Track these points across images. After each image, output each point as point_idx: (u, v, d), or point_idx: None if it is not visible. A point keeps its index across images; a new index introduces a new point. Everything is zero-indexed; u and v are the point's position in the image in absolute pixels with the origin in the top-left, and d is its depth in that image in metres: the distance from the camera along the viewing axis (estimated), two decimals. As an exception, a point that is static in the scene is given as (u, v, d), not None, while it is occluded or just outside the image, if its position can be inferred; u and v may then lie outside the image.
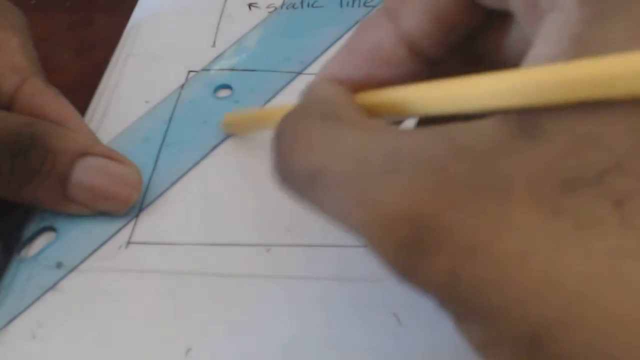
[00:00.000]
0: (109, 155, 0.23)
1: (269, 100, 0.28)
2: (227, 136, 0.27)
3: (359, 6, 0.32)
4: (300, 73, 0.29)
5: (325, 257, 0.22)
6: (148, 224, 0.24)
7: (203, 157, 0.26)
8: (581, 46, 0.11)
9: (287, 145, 0.15)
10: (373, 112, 0.16)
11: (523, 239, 0.10)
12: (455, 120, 0.12)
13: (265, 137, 0.26)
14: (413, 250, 0.11)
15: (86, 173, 0.23)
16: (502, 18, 0.16)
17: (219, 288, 0.22)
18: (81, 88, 0.29)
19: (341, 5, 0.32)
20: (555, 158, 0.10)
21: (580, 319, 0.10)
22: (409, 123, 0.19)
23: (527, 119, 0.11)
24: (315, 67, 0.29)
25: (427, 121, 0.17)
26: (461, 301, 0.11)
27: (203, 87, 0.29)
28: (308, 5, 0.33)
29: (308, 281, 0.22)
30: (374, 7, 0.32)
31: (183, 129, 0.27)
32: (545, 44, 0.12)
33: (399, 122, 0.19)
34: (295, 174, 0.14)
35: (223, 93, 0.29)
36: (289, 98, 0.28)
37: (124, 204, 0.23)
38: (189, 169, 0.26)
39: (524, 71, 0.12)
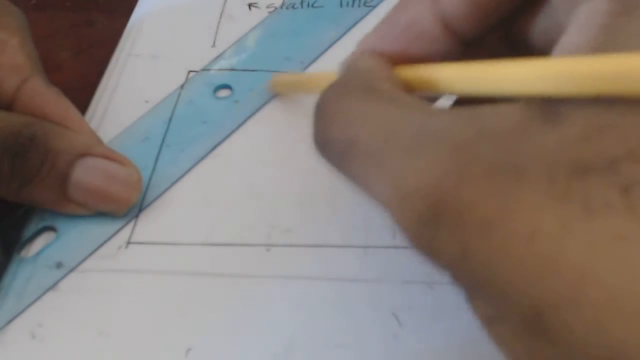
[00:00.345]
0: (109, 155, 0.23)
1: (269, 101, 0.28)
2: (227, 136, 0.27)
3: (359, 6, 0.32)
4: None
5: (325, 257, 0.22)
6: (148, 224, 0.24)
7: (203, 157, 0.26)
8: (607, 37, 0.11)
9: (327, 116, 0.15)
10: (408, 87, 0.16)
11: (532, 218, 0.10)
12: (487, 101, 0.13)
13: (265, 137, 0.27)
14: (429, 225, 0.12)
15: (86, 173, 0.23)
16: (539, 2, 0.16)
17: (219, 288, 0.22)
18: (81, 88, 0.29)
19: (341, 6, 0.32)
20: (571, 143, 0.11)
21: (584, 298, 0.10)
22: (445, 100, 0.20)
23: (548, 104, 0.12)
24: (316, 67, 0.29)
25: (463, 100, 0.18)
26: (472, 277, 0.11)
27: (203, 87, 0.29)
28: (308, 5, 0.32)
29: (308, 281, 0.22)
30: (374, 7, 0.32)
31: (183, 129, 0.27)
32: (576, 32, 0.12)
33: (433, 99, 0.20)
34: (333, 145, 0.15)
35: (223, 93, 0.29)
36: (289, 99, 0.28)
37: (124, 205, 0.23)
38: (189, 169, 0.26)
39: (552, 61, 0.12)
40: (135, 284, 0.22)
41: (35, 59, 0.24)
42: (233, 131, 0.27)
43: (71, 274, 0.22)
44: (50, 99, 0.23)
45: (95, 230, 0.23)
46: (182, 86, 0.29)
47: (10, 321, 0.21)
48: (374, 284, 0.21)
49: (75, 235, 0.23)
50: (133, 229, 0.24)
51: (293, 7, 0.32)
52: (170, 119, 0.27)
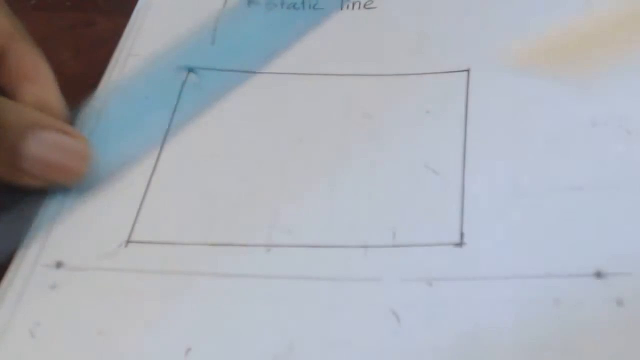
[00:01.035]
0: (60, 128, 0.23)
1: (267, 99, 0.28)
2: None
3: (359, 8, 0.32)
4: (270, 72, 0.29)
5: (324, 257, 0.22)
6: (148, 223, 0.24)
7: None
8: None
9: None
10: None
11: None
12: None
13: (265, 137, 0.27)
14: None
15: (37, 146, 0.23)
16: None
17: (219, 288, 0.22)
18: (81, 88, 0.29)
19: (341, 8, 0.32)
20: None
21: None
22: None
23: None
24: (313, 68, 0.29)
25: None
26: None
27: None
28: (309, 6, 0.33)
29: (308, 281, 0.22)
30: (374, 8, 0.32)
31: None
32: None
33: None
34: None
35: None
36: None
37: (76, 176, 0.24)
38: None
39: None
40: (134, 283, 0.22)
41: (16, 20, 0.25)
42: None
43: (70, 273, 0.22)
44: (24, 52, 0.24)
45: (94, 229, 0.24)
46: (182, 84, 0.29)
47: (9, 320, 0.21)
48: (374, 282, 0.21)
49: (74, 234, 0.23)
50: (132, 228, 0.24)
51: (294, 7, 0.32)
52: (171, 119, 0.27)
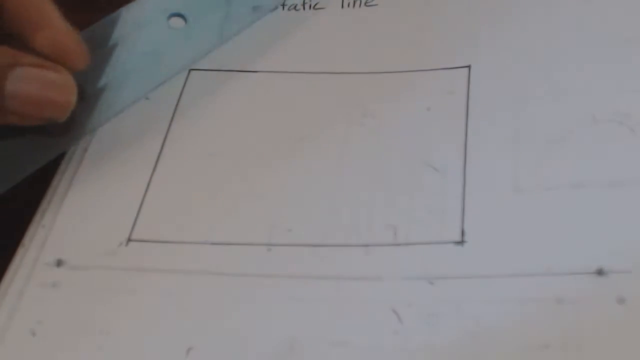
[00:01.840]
0: (40, 64, 0.23)
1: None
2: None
3: (359, 6, 0.32)
4: None
5: (325, 256, 0.22)
6: (148, 222, 0.24)
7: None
8: None
9: None
10: None
11: None
12: None
13: (266, 136, 0.27)
14: None
15: (19, 84, 0.22)
16: None
17: (219, 287, 0.22)
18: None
19: (342, 7, 0.32)
20: None
21: None
22: None
23: None
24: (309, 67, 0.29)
25: None
26: None
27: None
28: (310, 7, 0.32)
29: (308, 280, 0.22)
30: (375, 5, 0.32)
31: None
32: None
33: None
34: None
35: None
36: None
37: (64, 109, 0.23)
38: None
39: None
40: (135, 282, 0.22)
41: None
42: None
43: (71, 271, 0.22)
44: (30, 2, 0.23)
45: (95, 227, 0.24)
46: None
47: (10, 318, 0.21)
48: (374, 281, 0.21)
49: (75, 232, 0.23)
50: (133, 226, 0.24)
51: (295, 8, 0.32)
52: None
